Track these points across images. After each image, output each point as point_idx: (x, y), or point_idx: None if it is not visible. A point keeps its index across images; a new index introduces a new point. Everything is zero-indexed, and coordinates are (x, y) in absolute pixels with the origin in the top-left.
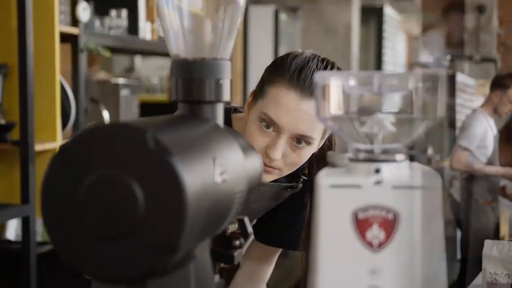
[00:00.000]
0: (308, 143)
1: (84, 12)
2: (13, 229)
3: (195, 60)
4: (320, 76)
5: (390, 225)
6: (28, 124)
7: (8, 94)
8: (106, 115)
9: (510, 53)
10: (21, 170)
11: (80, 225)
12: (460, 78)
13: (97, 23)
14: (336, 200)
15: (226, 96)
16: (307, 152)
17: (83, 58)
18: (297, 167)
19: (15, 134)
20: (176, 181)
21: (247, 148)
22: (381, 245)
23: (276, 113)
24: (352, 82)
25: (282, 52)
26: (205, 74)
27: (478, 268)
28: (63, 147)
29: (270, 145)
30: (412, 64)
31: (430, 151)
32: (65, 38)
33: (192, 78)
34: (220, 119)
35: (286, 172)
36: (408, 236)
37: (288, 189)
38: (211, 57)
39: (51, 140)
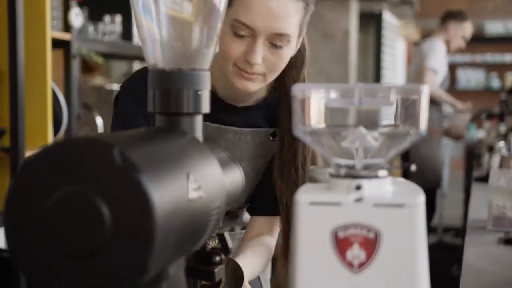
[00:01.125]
0: (286, 41)
1: (76, 17)
2: (2, 237)
3: (172, 70)
4: (299, 88)
5: (371, 245)
6: (18, 131)
7: None
8: (99, 121)
9: None
10: (11, 177)
11: (44, 244)
12: (387, 17)
13: (90, 28)
14: (315, 218)
15: (205, 107)
16: (286, 52)
17: (75, 64)
18: (280, 71)
19: (5, 141)
20: (144, 198)
21: (227, 161)
22: (362, 265)
23: (248, 16)
24: (333, 95)
25: None
26: (183, 84)
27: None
28: (27, 162)
29: (248, 50)
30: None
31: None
32: (58, 43)
33: (170, 89)
34: (198, 132)
35: (270, 77)
36: (390, 256)
37: (272, 138)
38: (189, 67)
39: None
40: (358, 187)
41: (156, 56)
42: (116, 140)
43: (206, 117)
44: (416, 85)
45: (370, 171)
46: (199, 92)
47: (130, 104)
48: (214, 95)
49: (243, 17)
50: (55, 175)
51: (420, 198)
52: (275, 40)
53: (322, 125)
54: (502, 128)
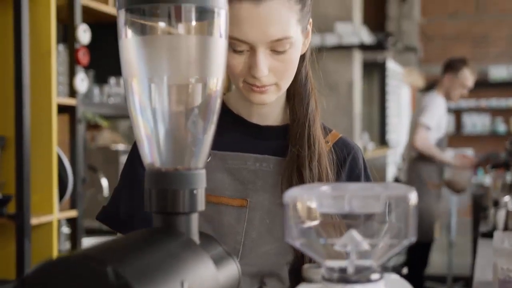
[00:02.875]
0: (288, 44)
1: (82, 83)
2: None
3: (168, 170)
4: (290, 195)
5: None
6: (24, 197)
7: (5, 166)
8: (105, 183)
9: (431, 43)
10: (16, 245)
11: None
12: (391, 65)
13: (96, 91)
14: None
15: (201, 205)
16: (293, 54)
17: (80, 129)
18: (293, 75)
19: (11, 207)
20: None
21: (222, 256)
22: None
23: (239, 30)
24: (323, 201)
25: None
26: (178, 185)
27: (417, 252)
28: (23, 280)
29: (251, 65)
30: None
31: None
32: (63, 108)
33: (166, 190)
34: (194, 230)
35: (285, 84)
36: None
37: None
38: (185, 167)
39: (47, 213)
40: None
41: (153, 156)
42: (111, 256)
43: (226, 145)
44: (404, 191)
45: (362, 275)
46: (195, 191)
47: (131, 156)
48: (237, 116)
49: (236, 33)
50: None
51: None
52: (276, 47)
53: (313, 229)
54: (508, 178)
